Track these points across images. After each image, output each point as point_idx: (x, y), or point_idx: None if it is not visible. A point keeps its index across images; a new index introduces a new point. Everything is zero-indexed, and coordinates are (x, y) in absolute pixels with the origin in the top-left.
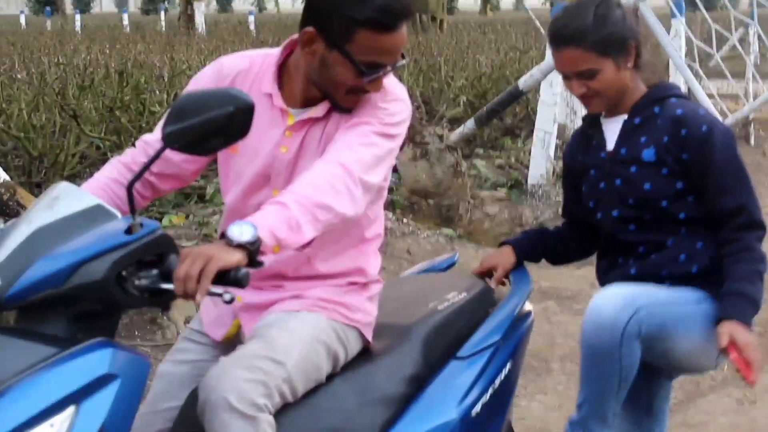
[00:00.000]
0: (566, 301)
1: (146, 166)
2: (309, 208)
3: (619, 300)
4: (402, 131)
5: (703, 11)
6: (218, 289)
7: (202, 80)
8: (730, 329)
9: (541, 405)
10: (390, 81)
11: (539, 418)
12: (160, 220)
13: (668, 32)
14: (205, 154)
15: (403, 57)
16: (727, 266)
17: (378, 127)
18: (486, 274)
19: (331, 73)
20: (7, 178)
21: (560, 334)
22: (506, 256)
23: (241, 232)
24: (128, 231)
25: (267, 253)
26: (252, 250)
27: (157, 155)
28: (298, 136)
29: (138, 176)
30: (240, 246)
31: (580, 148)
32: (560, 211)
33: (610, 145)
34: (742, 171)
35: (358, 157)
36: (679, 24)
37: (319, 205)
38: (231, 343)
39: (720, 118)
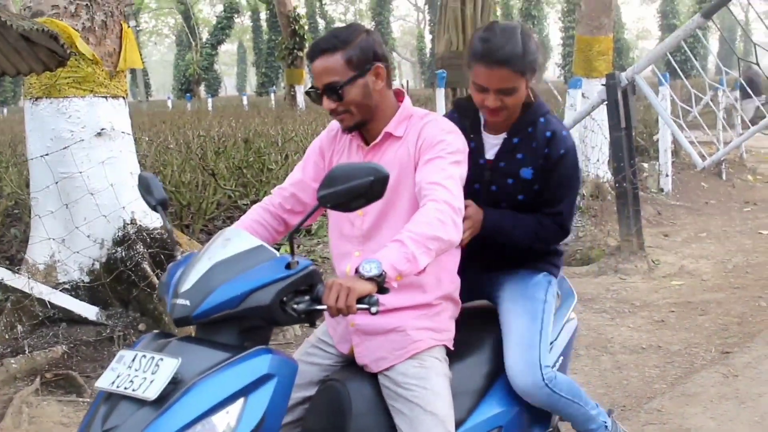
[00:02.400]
0: (588, 302)
1: (303, 221)
2: (421, 242)
3: (523, 362)
4: (464, 157)
5: (684, 79)
6: (363, 306)
7: (321, 138)
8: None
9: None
10: (441, 119)
11: None
12: (278, 249)
13: (657, 95)
14: (349, 211)
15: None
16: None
17: (448, 158)
18: None
19: None
20: (170, 228)
21: (584, 327)
22: None
23: (370, 268)
24: (287, 266)
25: (391, 282)
26: (379, 282)
27: (312, 212)
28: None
29: (297, 228)
30: (370, 279)
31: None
32: (579, 234)
33: (489, 155)
34: (573, 190)
35: (451, 192)
36: (665, 89)
37: (430, 238)
38: (353, 354)
39: (700, 161)
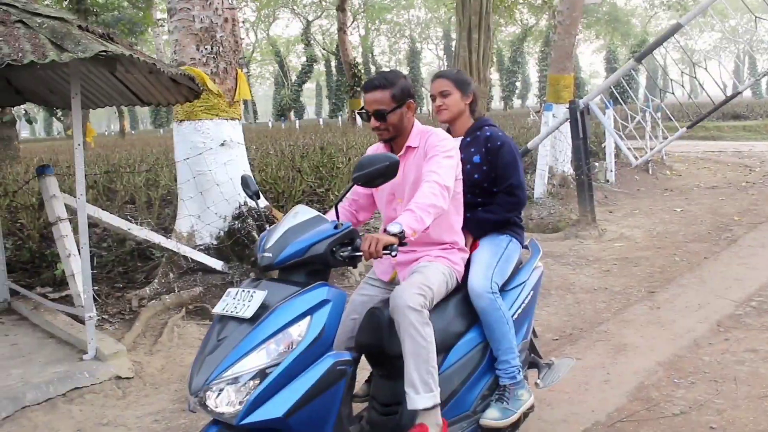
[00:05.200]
0: (557, 258)
1: (343, 195)
2: (425, 208)
3: (480, 276)
4: (456, 153)
5: (623, 104)
6: (386, 252)
7: (371, 149)
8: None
9: (546, 313)
10: (439, 131)
11: (546, 320)
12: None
13: (604, 115)
14: (373, 187)
15: (380, 111)
16: (494, 205)
17: (441, 154)
18: None
19: None
20: (267, 203)
21: (554, 275)
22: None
23: (394, 227)
24: (335, 228)
25: (409, 236)
26: (400, 237)
27: (348, 189)
28: (401, 169)
29: (340, 200)
30: (394, 234)
31: None
32: (551, 212)
33: None
34: (516, 167)
35: (439, 175)
36: (610, 112)
37: (429, 206)
38: (392, 283)
39: (634, 160)
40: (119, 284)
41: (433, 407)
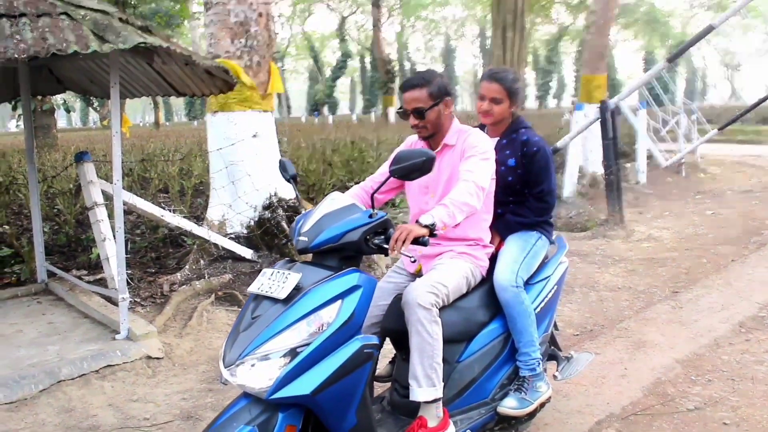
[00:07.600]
0: (584, 256)
1: (379, 187)
2: (458, 205)
3: (506, 269)
4: (492, 155)
5: (654, 107)
6: (409, 253)
7: (407, 142)
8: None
9: (569, 309)
10: (478, 132)
11: (568, 316)
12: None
13: (636, 116)
14: (409, 180)
15: (419, 109)
16: (523, 207)
17: (478, 155)
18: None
19: None
20: (297, 194)
21: (580, 273)
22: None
23: (425, 219)
24: (370, 216)
25: (439, 229)
26: (431, 228)
27: (385, 181)
28: (436, 164)
29: (377, 190)
30: (425, 226)
31: None
32: (580, 211)
33: None
34: (549, 173)
35: (477, 175)
36: (642, 113)
37: (463, 203)
38: (418, 274)
39: (664, 161)
40: (151, 269)
41: (434, 401)
